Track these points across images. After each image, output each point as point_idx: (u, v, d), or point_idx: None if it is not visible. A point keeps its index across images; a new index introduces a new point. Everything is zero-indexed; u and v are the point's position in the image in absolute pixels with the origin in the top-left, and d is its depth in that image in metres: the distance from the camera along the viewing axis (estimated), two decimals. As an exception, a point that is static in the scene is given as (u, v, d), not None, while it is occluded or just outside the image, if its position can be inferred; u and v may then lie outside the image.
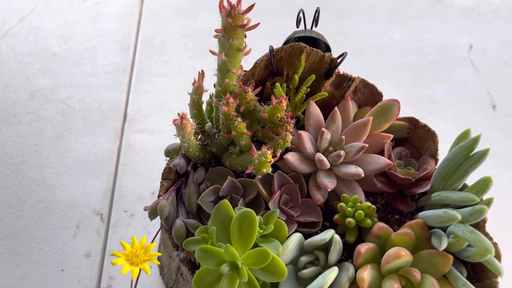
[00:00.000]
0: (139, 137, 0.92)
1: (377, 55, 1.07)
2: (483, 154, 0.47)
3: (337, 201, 0.54)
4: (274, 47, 0.57)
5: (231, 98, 0.51)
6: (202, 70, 0.53)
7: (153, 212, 0.53)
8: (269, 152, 0.49)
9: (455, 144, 0.50)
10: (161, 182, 0.56)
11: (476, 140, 0.47)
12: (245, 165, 0.54)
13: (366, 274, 0.47)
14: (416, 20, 1.14)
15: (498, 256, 0.50)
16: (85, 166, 0.87)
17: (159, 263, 0.48)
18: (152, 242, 0.51)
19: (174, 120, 0.49)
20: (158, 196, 0.55)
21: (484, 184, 0.48)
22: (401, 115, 0.59)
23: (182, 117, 0.49)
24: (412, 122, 0.58)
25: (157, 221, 0.72)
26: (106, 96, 0.97)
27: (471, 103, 1.01)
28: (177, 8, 1.13)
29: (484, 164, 1.00)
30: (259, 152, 0.50)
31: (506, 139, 0.96)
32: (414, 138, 0.59)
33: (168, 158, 0.58)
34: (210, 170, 0.57)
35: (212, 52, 0.51)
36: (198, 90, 0.54)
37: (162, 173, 0.57)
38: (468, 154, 0.48)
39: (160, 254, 0.47)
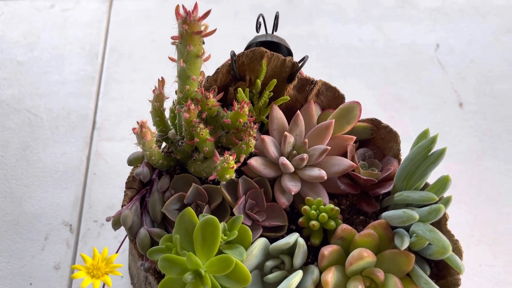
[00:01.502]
0: (108, 145, 0.91)
1: (346, 56, 1.08)
2: (440, 153, 0.48)
3: (302, 204, 0.54)
4: (237, 52, 0.57)
5: (192, 105, 0.51)
6: (162, 77, 0.53)
7: (116, 223, 0.53)
8: (231, 158, 0.49)
9: (415, 144, 0.51)
10: (125, 192, 0.56)
11: (433, 140, 0.48)
12: (210, 171, 0.54)
13: (330, 276, 0.47)
14: (384, 20, 1.15)
15: (459, 253, 0.50)
16: (53, 177, 0.86)
17: (121, 274, 0.48)
18: (116, 252, 0.51)
19: (133, 129, 0.48)
20: (122, 206, 0.54)
21: (443, 183, 0.49)
22: (370, 115, 0.59)
23: (142, 125, 0.48)
24: (375, 123, 0.59)
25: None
26: (74, 104, 0.96)
27: (438, 102, 1.03)
28: (146, 14, 1.13)
29: (451, 161, 1.02)
30: (222, 158, 0.49)
31: (473, 136, 0.97)
32: (377, 139, 0.59)
33: (132, 167, 0.57)
34: (175, 178, 0.57)
35: (171, 59, 0.51)
36: (159, 97, 0.53)
37: (126, 182, 0.56)
38: (426, 154, 0.49)
39: (122, 265, 0.46)
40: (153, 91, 0.53)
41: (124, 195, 0.55)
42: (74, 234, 0.79)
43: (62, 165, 0.87)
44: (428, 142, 0.48)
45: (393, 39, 1.13)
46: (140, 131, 0.48)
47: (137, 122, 0.49)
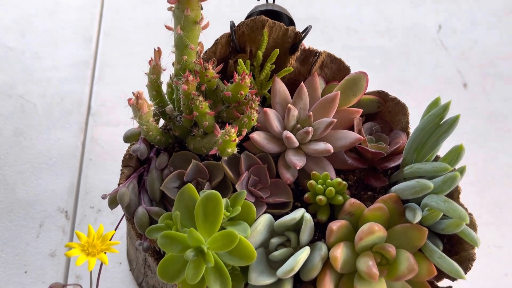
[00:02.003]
0: (104, 130, 0.88)
1: (347, 39, 1.05)
2: (454, 120, 0.45)
3: (307, 180, 0.51)
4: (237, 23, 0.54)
5: (191, 76, 0.48)
6: (158, 47, 0.50)
7: (113, 201, 0.50)
8: (232, 130, 0.46)
9: (426, 114, 0.48)
10: (121, 170, 0.53)
11: (446, 107, 0.46)
12: (210, 147, 0.52)
13: (339, 252, 0.45)
14: (384, 2, 1.12)
15: (473, 227, 0.48)
16: (47, 163, 0.83)
17: (117, 251, 0.45)
18: (114, 230, 0.48)
19: (129, 100, 0.46)
20: (118, 184, 0.52)
21: (456, 152, 0.46)
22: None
23: (138, 96, 0.46)
24: (382, 95, 0.56)
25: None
26: (68, 90, 0.93)
27: (442, 83, 1.00)
28: (140, -1, 1.10)
29: (457, 142, 1.00)
30: (223, 131, 0.47)
31: (478, 117, 0.95)
32: (384, 113, 0.57)
33: (128, 145, 0.55)
34: (174, 155, 0.54)
35: (168, 27, 0.48)
36: (155, 69, 0.51)
37: (122, 160, 0.54)
38: (438, 122, 0.46)
39: (119, 242, 0.44)
40: (149, 62, 0.50)
41: (121, 174, 0.53)
42: (70, 221, 0.77)
43: (57, 151, 0.85)
44: (440, 109, 0.46)
45: (395, 21, 1.10)
46: (136, 103, 0.46)
47: (133, 93, 0.46)
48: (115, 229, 0.49)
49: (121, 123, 0.90)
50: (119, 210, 0.79)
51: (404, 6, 1.12)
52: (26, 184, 0.81)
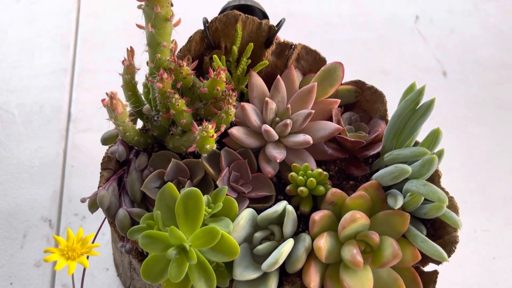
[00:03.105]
0: (85, 136, 0.87)
1: (325, 33, 1.06)
2: (429, 104, 0.45)
3: (288, 173, 0.51)
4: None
5: (165, 74, 0.47)
6: (130, 47, 0.50)
7: (93, 204, 0.49)
8: (210, 126, 0.46)
9: (402, 99, 0.49)
10: (100, 173, 0.52)
11: (421, 92, 0.46)
12: (189, 145, 0.51)
13: (323, 242, 0.45)
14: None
15: (455, 210, 0.48)
16: (29, 172, 0.82)
17: (98, 254, 0.44)
18: (96, 235, 0.48)
19: (103, 101, 0.45)
20: (98, 187, 0.51)
21: (434, 136, 0.46)
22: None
23: (112, 96, 0.45)
24: (359, 85, 0.56)
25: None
26: (47, 97, 0.92)
27: (422, 72, 1.01)
28: (117, 4, 1.09)
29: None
30: (200, 127, 0.46)
31: (458, 104, 0.96)
32: (362, 102, 0.57)
33: (107, 147, 0.54)
34: (153, 156, 0.54)
35: (139, 26, 0.48)
36: (129, 69, 0.50)
37: (101, 163, 0.53)
38: (414, 107, 0.46)
39: (99, 245, 0.43)
40: (123, 62, 0.50)
41: (100, 176, 0.52)
42: (54, 230, 0.76)
43: (38, 160, 0.84)
44: (415, 94, 0.46)
45: (372, 13, 1.11)
46: (110, 103, 0.45)
47: (107, 94, 0.45)
48: (96, 233, 0.48)
49: (103, 128, 0.87)
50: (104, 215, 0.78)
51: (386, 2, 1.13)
52: (7, 195, 0.79)
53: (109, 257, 0.72)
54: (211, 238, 0.42)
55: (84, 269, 0.45)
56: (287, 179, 0.52)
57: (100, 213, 0.78)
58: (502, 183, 0.85)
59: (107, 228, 0.78)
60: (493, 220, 0.80)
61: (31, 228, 0.76)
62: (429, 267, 0.51)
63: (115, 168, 0.53)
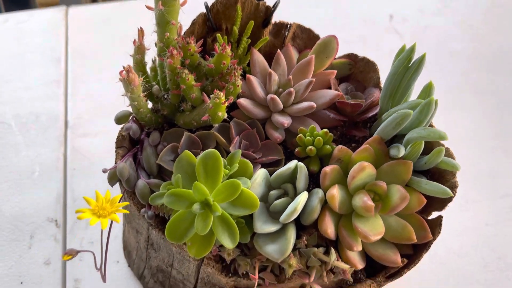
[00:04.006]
0: (84, 141, 0.88)
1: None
2: (421, 59, 0.50)
3: (294, 140, 0.54)
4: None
5: (175, 50, 0.51)
6: (141, 27, 0.53)
7: (113, 177, 0.51)
8: (221, 93, 0.49)
9: (395, 60, 0.53)
10: (116, 151, 0.55)
11: (412, 49, 0.50)
12: (199, 118, 0.54)
13: (335, 191, 0.48)
14: (338, 0, 1.20)
15: (452, 157, 0.52)
16: (30, 178, 0.83)
17: (127, 212, 0.46)
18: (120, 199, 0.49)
19: (120, 73, 0.48)
20: (115, 163, 0.53)
21: (427, 90, 0.51)
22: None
23: (128, 70, 0.48)
24: (352, 57, 0.61)
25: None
26: (42, 107, 0.94)
27: (401, 65, 1.07)
28: (103, 18, 1.12)
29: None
30: (212, 95, 0.50)
31: (437, 91, 1.01)
32: (356, 73, 0.61)
33: (120, 127, 0.56)
34: (164, 133, 0.56)
35: (148, 7, 0.51)
36: (139, 49, 0.53)
37: (116, 142, 0.55)
38: (407, 64, 0.51)
39: (128, 203, 0.45)
40: (134, 42, 0.53)
41: (116, 154, 0.54)
42: (61, 229, 0.76)
43: (39, 166, 0.85)
44: (407, 52, 0.50)
45: (350, 15, 1.17)
46: (127, 76, 0.48)
47: (123, 67, 0.48)
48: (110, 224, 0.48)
49: (100, 132, 0.90)
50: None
51: (356, 1, 1.20)
52: (10, 200, 0.80)
53: (119, 251, 0.73)
54: (233, 191, 0.45)
55: (110, 231, 0.47)
56: (292, 148, 0.56)
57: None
58: (487, 159, 0.90)
59: (113, 225, 0.79)
60: (482, 192, 0.85)
61: (38, 229, 0.76)
62: (432, 217, 0.55)
63: (128, 147, 0.56)
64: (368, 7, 1.19)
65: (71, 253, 0.45)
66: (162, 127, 0.58)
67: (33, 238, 0.75)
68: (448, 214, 0.79)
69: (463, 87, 1.03)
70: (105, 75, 1.01)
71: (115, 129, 0.91)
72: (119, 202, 0.44)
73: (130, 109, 0.56)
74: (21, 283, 0.71)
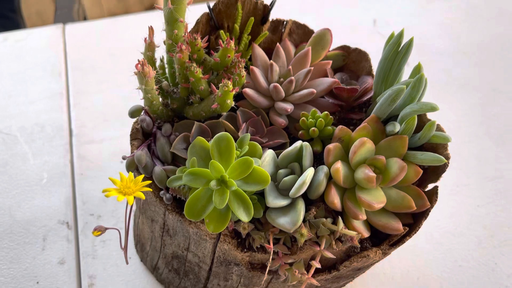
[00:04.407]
0: (89, 147, 0.92)
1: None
2: (409, 43, 0.55)
3: (298, 124, 0.58)
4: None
5: (183, 45, 0.55)
6: (151, 26, 0.57)
7: (131, 164, 0.55)
8: (229, 82, 0.53)
9: (385, 46, 0.58)
10: (131, 143, 0.58)
11: (401, 34, 0.55)
12: (208, 109, 0.58)
13: (339, 165, 0.52)
14: (322, 8, 1.26)
15: (442, 131, 0.57)
16: (39, 184, 0.85)
17: (150, 190, 0.49)
18: (128, 218, 0.52)
19: (136, 66, 0.52)
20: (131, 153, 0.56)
21: (416, 70, 0.55)
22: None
23: (143, 63, 0.52)
24: (345, 49, 0.66)
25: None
26: (46, 119, 0.97)
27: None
28: (99, 33, 1.17)
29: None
30: (221, 84, 0.54)
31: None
32: (349, 64, 0.66)
33: (133, 120, 0.60)
34: (175, 125, 0.60)
35: (157, 7, 0.56)
36: (150, 46, 0.57)
37: (130, 134, 0.59)
38: (397, 49, 0.56)
39: (150, 181, 0.48)
40: (145, 40, 0.57)
41: (131, 146, 0.58)
42: (72, 230, 0.79)
43: (47, 173, 0.87)
44: (396, 37, 0.55)
45: (336, 22, 1.23)
46: (142, 69, 0.52)
47: (138, 60, 0.52)
48: (128, 218, 0.51)
49: (105, 139, 0.94)
50: (119, 213, 0.82)
51: (340, 9, 1.26)
52: (21, 207, 0.82)
53: (131, 248, 0.76)
54: (246, 168, 0.48)
55: (131, 208, 0.50)
56: (295, 134, 0.60)
57: (115, 212, 0.82)
58: (473, 146, 0.95)
59: (121, 223, 0.82)
60: (471, 176, 0.90)
61: (50, 231, 0.79)
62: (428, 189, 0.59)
63: (142, 139, 0.59)
64: (352, 14, 1.25)
65: (100, 229, 0.49)
66: (172, 120, 0.62)
67: (46, 240, 0.78)
68: (441, 198, 0.84)
69: (446, 82, 1.09)
70: (106, 86, 1.05)
71: (119, 136, 0.95)
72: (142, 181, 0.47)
73: (142, 103, 0.60)
74: (37, 282, 0.73)
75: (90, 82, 1.05)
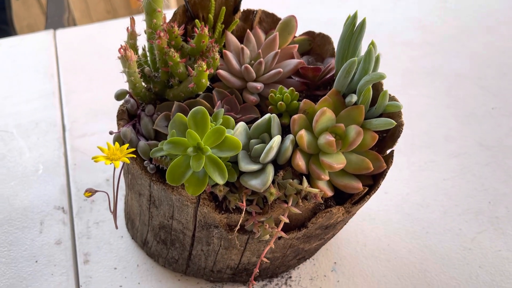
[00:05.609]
0: (82, 140, 0.98)
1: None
2: (362, 23, 0.61)
3: (268, 100, 0.65)
4: None
5: (162, 33, 0.61)
6: (132, 17, 0.63)
7: (117, 140, 0.61)
8: (203, 63, 0.60)
9: (343, 27, 0.64)
10: (117, 122, 0.64)
11: (355, 15, 0.62)
12: (186, 89, 0.64)
13: (303, 132, 0.58)
14: (300, 8, 1.34)
15: (395, 100, 0.63)
16: (35, 175, 0.91)
17: (134, 156, 0.56)
18: (116, 199, 0.58)
19: (119, 50, 0.58)
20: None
21: (369, 47, 0.62)
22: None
23: (125, 48, 0.58)
24: (310, 34, 0.72)
25: (120, 200, 0.78)
26: (40, 116, 1.03)
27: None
28: (88, 38, 1.24)
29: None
30: (195, 65, 0.60)
31: (395, 75, 1.15)
32: (315, 48, 0.73)
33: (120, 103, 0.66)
34: (157, 106, 0.66)
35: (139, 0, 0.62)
36: (132, 35, 0.64)
37: (117, 115, 0.65)
38: (352, 29, 0.62)
39: (133, 149, 0.55)
40: (127, 29, 0.63)
41: (118, 125, 0.64)
42: (68, 214, 0.85)
43: (42, 164, 0.93)
44: (351, 19, 0.62)
45: (312, 19, 1.30)
46: (124, 54, 0.58)
47: (121, 45, 0.58)
48: (116, 197, 0.58)
49: (96, 132, 1.00)
50: (111, 198, 0.88)
51: (316, 7, 1.34)
52: (19, 195, 0.88)
53: (122, 228, 0.82)
54: (219, 136, 0.55)
55: (120, 172, 0.56)
56: (266, 110, 0.66)
57: (107, 197, 0.87)
58: (440, 127, 1.02)
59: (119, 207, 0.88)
60: (438, 153, 0.96)
61: (47, 216, 0.84)
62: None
63: (127, 120, 0.65)
64: (327, 12, 1.33)
65: (91, 191, 0.55)
66: (155, 103, 0.68)
67: (43, 224, 0.83)
68: (411, 174, 0.91)
69: (415, 70, 1.17)
70: (96, 84, 1.12)
71: (108, 129, 1.01)
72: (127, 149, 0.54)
73: (126, 87, 0.66)
74: (36, 261, 0.78)
75: (81, 81, 1.12)
